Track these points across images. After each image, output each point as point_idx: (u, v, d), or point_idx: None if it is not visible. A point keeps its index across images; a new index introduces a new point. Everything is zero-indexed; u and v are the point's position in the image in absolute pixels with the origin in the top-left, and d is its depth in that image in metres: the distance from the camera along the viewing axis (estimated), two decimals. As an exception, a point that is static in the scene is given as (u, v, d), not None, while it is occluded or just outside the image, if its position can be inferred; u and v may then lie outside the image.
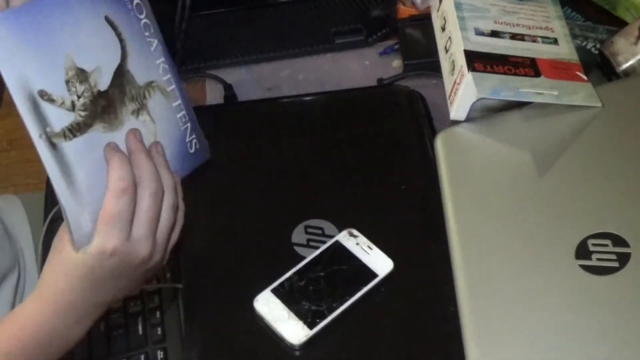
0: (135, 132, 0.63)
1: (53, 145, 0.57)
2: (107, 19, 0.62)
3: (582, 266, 0.65)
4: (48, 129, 0.56)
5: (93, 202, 0.60)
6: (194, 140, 0.71)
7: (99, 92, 0.60)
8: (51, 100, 0.57)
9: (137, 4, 0.65)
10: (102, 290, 0.62)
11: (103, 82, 0.61)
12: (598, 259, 0.65)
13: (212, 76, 0.98)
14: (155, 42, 0.66)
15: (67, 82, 0.58)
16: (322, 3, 0.95)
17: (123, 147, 0.62)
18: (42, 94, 0.56)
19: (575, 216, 0.68)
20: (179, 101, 0.69)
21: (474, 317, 0.66)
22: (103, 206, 0.59)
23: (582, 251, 0.65)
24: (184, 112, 0.69)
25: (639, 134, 0.72)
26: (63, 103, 0.58)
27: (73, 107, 0.58)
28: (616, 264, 0.64)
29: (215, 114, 0.93)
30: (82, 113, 0.59)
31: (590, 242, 0.66)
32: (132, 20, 0.64)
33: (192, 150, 0.70)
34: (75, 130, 0.58)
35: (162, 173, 0.63)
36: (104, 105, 0.61)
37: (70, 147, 0.58)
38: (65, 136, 0.58)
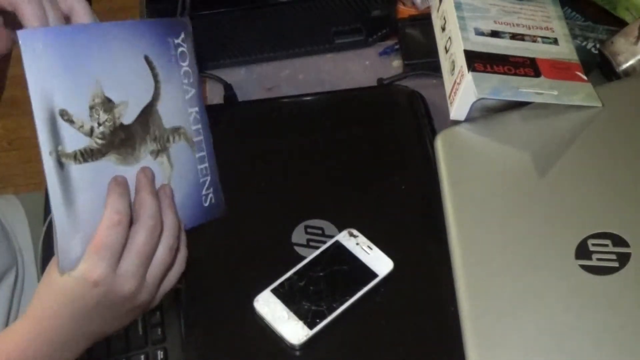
0: (147, 170, 0.62)
1: (61, 165, 0.56)
2: (146, 59, 0.62)
3: (582, 266, 0.65)
4: (60, 148, 0.56)
5: (87, 229, 0.59)
6: (210, 195, 0.70)
7: (122, 125, 0.60)
8: (70, 121, 0.57)
9: (182, 52, 0.66)
10: (87, 321, 0.61)
11: (128, 116, 0.61)
12: (598, 259, 0.65)
13: (212, 76, 0.98)
14: (192, 92, 0.67)
15: (91, 107, 0.58)
16: (322, 3, 0.95)
17: (132, 184, 0.61)
18: (63, 113, 0.56)
19: (575, 216, 0.68)
20: (204, 153, 0.68)
21: (474, 317, 0.66)
22: (95, 235, 0.58)
23: (582, 251, 0.65)
24: (206, 165, 0.69)
25: (639, 134, 0.72)
26: (82, 127, 0.58)
27: (91, 133, 0.58)
28: (616, 264, 0.64)
29: (215, 114, 0.92)
30: (99, 141, 0.59)
31: (590, 242, 0.66)
32: (173, 66, 0.65)
33: (207, 204, 0.69)
34: (87, 155, 0.58)
35: (166, 214, 0.62)
36: (122, 138, 0.61)
37: (78, 171, 0.57)
38: (75, 158, 0.57)
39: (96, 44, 0.59)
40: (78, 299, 0.59)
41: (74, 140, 0.57)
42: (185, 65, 0.66)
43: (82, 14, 0.61)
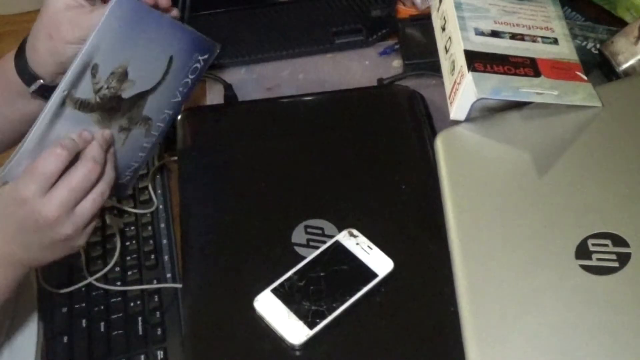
0: (108, 132, 0.69)
1: (63, 103, 0.65)
2: (170, 59, 0.72)
3: (582, 266, 0.65)
4: (72, 91, 0.65)
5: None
6: (128, 178, 0.77)
7: (119, 97, 0.69)
8: (93, 76, 0.65)
9: (196, 67, 0.75)
10: (10, 238, 0.65)
11: (128, 92, 0.70)
12: (598, 259, 0.65)
13: (212, 76, 0.98)
14: (178, 99, 0.76)
15: (112, 73, 0.67)
16: (322, 3, 0.95)
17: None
18: (95, 67, 0.65)
19: (575, 216, 0.68)
20: (149, 145, 0.77)
21: (474, 317, 0.66)
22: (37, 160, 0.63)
23: (582, 251, 0.65)
24: (144, 154, 0.77)
25: (639, 134, 0.72)
26: (97, 83, 0.66)
27: (98, 91, 0.67)
28: (616, 264, 0.64)
29: (215, 114, 0.93)
30: (98, 100, 0.67)
31: (590, 242, 0.66)
32: (181, 73, 0.74)
33: (121, 181, 0.76)
34: (83, 106, 0.66)
35: (109, 166, 0.68)
36: (113, 106, 0.69)
37: (69, 114, 0.66)
38: (75, 104, 0.66)
39: (154, 31, 0.68)
40: (3, 212, 0.64)
41: (85, 90, 0.66)
42: (190, 78, 0.75)
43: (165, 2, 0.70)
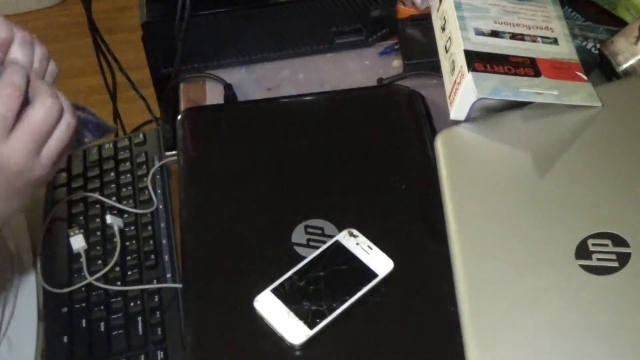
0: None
1: None
2: None
3: (582, 266, 0.65)
4: None
5: None
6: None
7: None
8: None
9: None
10: None
11: None
12: (598, 259, 0.65)
13: (212, 76, 0.98)
14: None
15: None
16: (322, 3, 0.95)
17: None
18: None
19: (575, 216, 0.68)
20: None
21: (474, 317, 0.66)
22: None
23: (582, 251, 0.65)
24: None
25: (639, 134, 0.72)
26: None
27: None
28: (616, 264, 0.64)
29: (215, 113, 0.93)
30: None
31: (590, 242, 0.66)
32: None
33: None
34: None
35: (63, 98, 0.62)
36: None
37: None
38: None
39: None
40: None
41: None
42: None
43: None
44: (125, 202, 0.86)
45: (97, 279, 0.80)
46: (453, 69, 0.80)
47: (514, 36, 0.82)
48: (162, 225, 0.84)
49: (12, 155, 0.59)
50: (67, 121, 0.62)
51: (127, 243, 0.83)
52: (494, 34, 0.82)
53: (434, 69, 0.90)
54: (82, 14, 1.00)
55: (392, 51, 1.00)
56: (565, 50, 0.83)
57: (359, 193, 0.80)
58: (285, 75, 0.99)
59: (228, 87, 0.96)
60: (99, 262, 0.81)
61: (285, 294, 0.71)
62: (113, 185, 0.88)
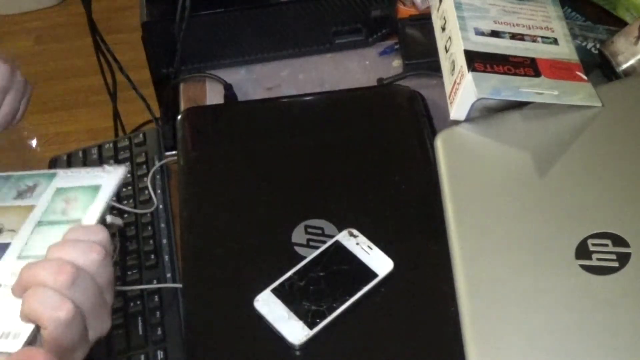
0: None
1: None
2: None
3: (582, 266, 0.65)
4: None
5: None
6: None
7: None
8: None
9: None
10: None
11: None
12: (598, 259, 0.65)
13: (212, 76, 0.98)
14: None
15: None
16: (322, 3, 0.95)
17: None
18: None
19: (575, 216, 0.68)
20: None
21: (474, 317, 0.66)
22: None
23: (582, 251, 0.65)
24: None
25: (639, 134, 0.72)
26: None
27: None
28: (616, 264, 0.64)
29: (215, 113, 0.93)
30: None
31: (590, 242, 0.66)
32: None
33: None
34: None
35: None
36: None
37: None
38: None
39: None
40: None
41: None
42: None
43: None
44: (125, 202, 0.86)
45: (97, 279, 0.80)
46: (453, 69, 0.80)
47: (514, 36, 0.82)
48: (162, 225, 0.84)
49: None
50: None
51: (127, 243, 0.83)
52: (494, 34, 0.82)
53: (434, 69, 0.90)
54: (82, 14, 1.00)
55: (392, 51, 1.00)
56: (565, 50, 0.83)
57: (359, 193, 0.80)
58: (285, 75, 0.99)
59: (228, 87, 0.96)
60: (99, 262, 0.81)
61: (285, 294, 0.71)
62: (113, 185, 0.88)
